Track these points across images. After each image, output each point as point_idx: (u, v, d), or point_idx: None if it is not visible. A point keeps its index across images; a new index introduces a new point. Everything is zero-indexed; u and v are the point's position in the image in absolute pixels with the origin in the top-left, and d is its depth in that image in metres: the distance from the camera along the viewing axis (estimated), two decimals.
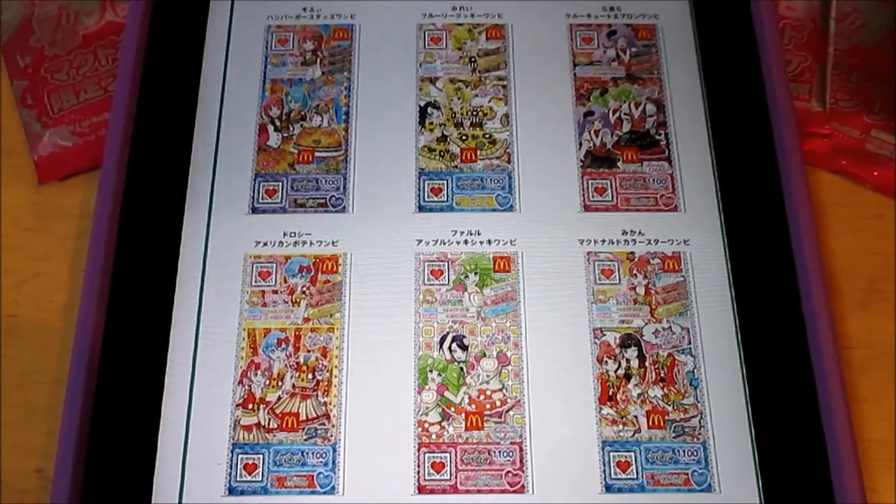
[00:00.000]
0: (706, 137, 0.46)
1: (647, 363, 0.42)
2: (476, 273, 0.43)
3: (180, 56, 0.48)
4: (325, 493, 0.39)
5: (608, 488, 0.39)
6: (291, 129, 0.47)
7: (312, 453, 0.40)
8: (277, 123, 0.47)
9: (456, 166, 0.46)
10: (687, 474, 0.40)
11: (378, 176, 0.46)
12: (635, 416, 0.41)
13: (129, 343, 0.41)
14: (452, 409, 0.41)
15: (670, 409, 0.41)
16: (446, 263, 0.44)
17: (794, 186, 0.44)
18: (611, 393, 0.41)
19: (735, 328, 0.42)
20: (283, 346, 0.42)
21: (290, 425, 0.41)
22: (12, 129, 0.50)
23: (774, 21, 0.48)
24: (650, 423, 0.41)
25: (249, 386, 0.41)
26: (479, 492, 0.39)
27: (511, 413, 0.41)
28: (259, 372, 0.42)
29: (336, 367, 0.42)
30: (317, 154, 0.46)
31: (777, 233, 0.43)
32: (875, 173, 0.48)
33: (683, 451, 0.40)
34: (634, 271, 0.43)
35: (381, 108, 0.47)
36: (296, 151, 0.46)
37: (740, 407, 0.41)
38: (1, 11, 0.52)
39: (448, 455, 0.40)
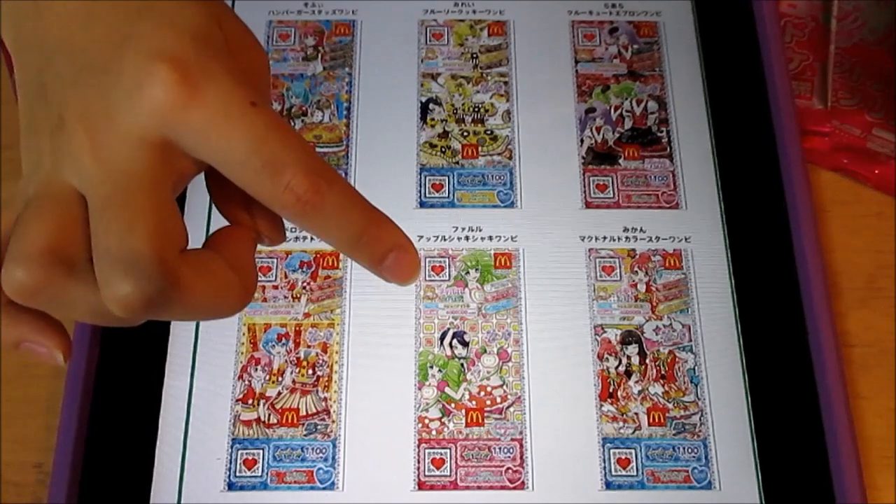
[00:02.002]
0: (708, 135, 0.46)
1: (647, 360, 0.42)
2: (477, 269, 0.43)
3: None
4: (324, 488, 0.39)
5: (608, 485, 0.39)
6: (292, 124, 0.47)
7: (312, 449, 0.40)
8: None
9: (457, 162, 0.46)
10: (687, 471, 0.40)
11: (379, 172, 0.46)
12: (636, 413, 0.41)
13: (129, 337, 0.41)
14: (453, 405, 0.41)
15: (671, 406, 0.41)
16: (447, 259, 0.44)
17: (796, 184, 0.44)
18: (611, 390, 0.41)
19: (736, 326, 0.42)
20: (284, 341, 0.42)
21: (289, 421, 0.40)
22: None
23: (776, 19, 0.48)
24: (651, 421, 0.40)
25: (249, 381, 0.41)
26: (479, 488, 0.39)
27: (511, 409, 0.41)
28: (259, 367, 0.41)
29: (336, 362, 0.41)
30: (318, 150, 0.46)
31: (778, 230, 0.43)
32: (876, 171, 0.48)
33: (684, 448, 0.40)
34: (635, 268, 0.43)
35: (382, 103, 0.47)
36: None
37: (741, 404, 0.41)
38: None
39: (448, 451, 0.40)
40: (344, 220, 0.25)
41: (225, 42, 0.25)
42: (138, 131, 0.23)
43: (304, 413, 0.41)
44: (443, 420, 0.40)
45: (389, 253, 0.25)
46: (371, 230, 0.25)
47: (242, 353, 0.42)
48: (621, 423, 0.40)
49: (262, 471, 0.40)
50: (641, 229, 0.44)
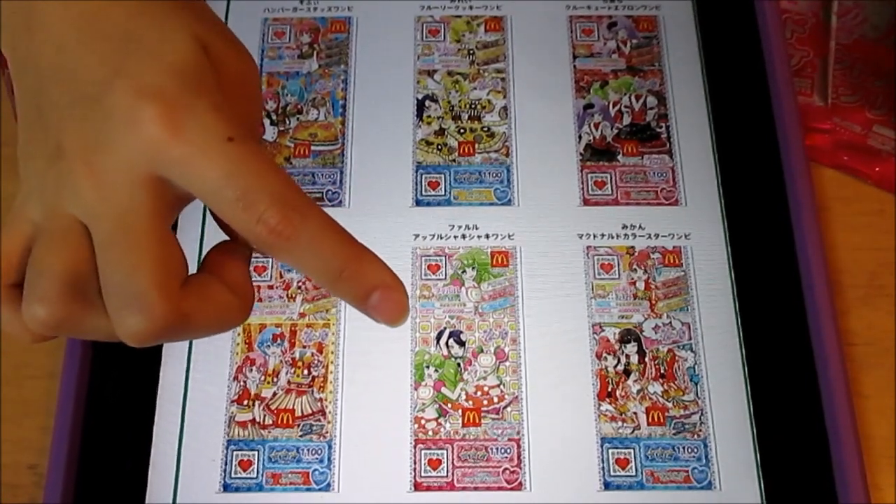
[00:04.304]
0: (708, 130, 0.46)
1: (646, 359, 0.41)
2: (474, 268, 0.43)
3: None
4: (320, 490, 0.39)
5: (607, 485, 0.39)
6: (288, 122, 0.46)
7: (308, 450, 0.40)
8: (274, 117, 0.47)
9: (454, 160, 0.45)
10: (687, 471, 0.39)
11: (375, 170, 0.45)
12: (635, 413, 0.40)
13: None
14: (449, 405, 0.40)
15: (670, 405, 0.40)
16: (443, 258, 0.43)
17: (797, 181, 0.43)
18: (610, 389, 0.41)
19: (736, 324, 0.42)
20: (279, 341, 0.42)
21: (285, 422, 0.40)
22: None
23: (777, 14, 0.48)
24: (650, 420, 0.40)
25: (244, 382, 0.41)
26: (475, 489, 0.39)
27: (509, 409, 0.40)
28: (254, 368, 0.41)
29: (332, 362, 0.41)
30: (313, 148, 0.46)
31: (779, 228, 0.43)
32: (876, 169, 0.47)
33: (683, 447, 0.40)
34: (634, 266, 0.43)
35: (378, 101, 0.47)
36: (292, 145, 0.46)
37: (741, 403, 0.40)
38: None
39: (445, 452, 0.40)
40: (321, 254, 0.25)
41: (210, 66, 0.26)
42: (133, 169, 0.24)
43: (300, 414, 0.40)
44: (439, 420, 0.40)
45: (374, 291, 0.25)
46: (352, 266, 0.25)
47: (237, 354, 0.41)
48: (620, 423, 0.40)
49: (258, 472, 0.39)
50: (640, 226, 0.44)
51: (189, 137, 0.24)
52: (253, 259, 0.43)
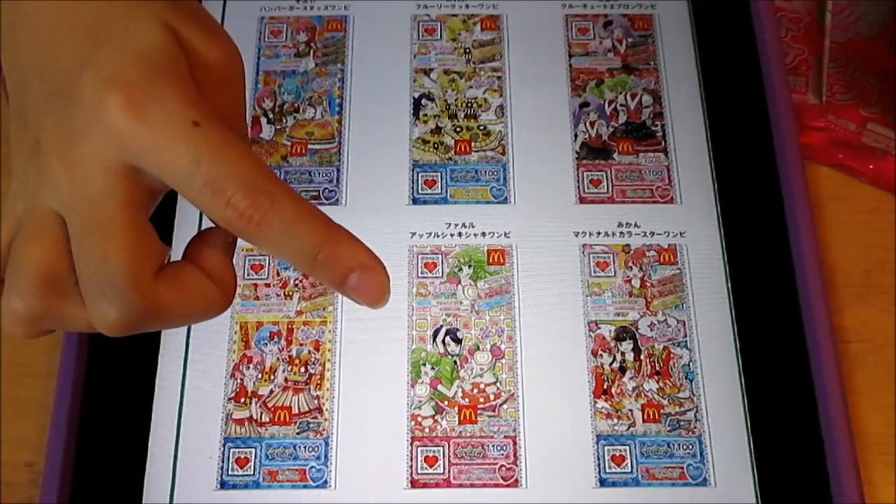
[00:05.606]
0: (703, 129, 0.46)
1: (642, 356, 0.41)
2: (470, 266, 0.43)
3: None
4: (317, 486, 0.39)
5: (602, 482, 0.39)
6: (284, 121, 0.47)
7: (305, 447, 0.40)
8: (270, 115, 0.47)
9: (450, 158, 0.46)
10: (682, 468, 0.39)
11: (371, 168, 0.45)
12: (630, 410, 0.40)
13: (120, 337, 0.41)
14: (446, 402, 0.41)
15: (665, 402, 0.41)
16: (440, 256, 0.43)
17: (792, 178, 0.44)
18: (605, 386, 0.41)
19: (731, 321, 0.42)
20: (276, 339, 0.42)
21: (282, 419, 0.40)
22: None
23: (772, 12, 0.48)
24: (645, 417, 0.40)
25: (241, 379, 0.41)
26: (472, 486, 0.39)
27: (505, 407, 0.40)
28: (251, 365, 0.41)
29: (328, 360, 0.41)
30: (310, 146, 0.46)
31: (774, 225, 0.43)
32: (871, 166, 0.47)
33: (679, 444, 0.40)
34: (630, 264, 0.43)
35: (374, 99, 0.47)
36: (289, 143, 0.46)
37: (736, 400, 0.40)
38: None
39: (441, 449, 0.40)
40: (294, 238, 0.24)
41: (182, 54, 0.25)
42: (101, 161, 0.24)
43: (297, 411, 0.40)
44: (436, 418, 0.40)
45: (351, 273, 0.25)
46: (327, 248, 0.25)
47: (234, 352, 0.41)
48: (615, 420, 0.40)
49: (255, 469, 0.39)
50: (636, 224, 0.44)
51: (154, 124, 0.23)
52: (251, 256, 0.43)
